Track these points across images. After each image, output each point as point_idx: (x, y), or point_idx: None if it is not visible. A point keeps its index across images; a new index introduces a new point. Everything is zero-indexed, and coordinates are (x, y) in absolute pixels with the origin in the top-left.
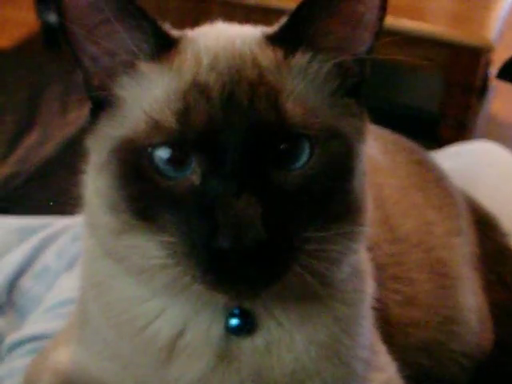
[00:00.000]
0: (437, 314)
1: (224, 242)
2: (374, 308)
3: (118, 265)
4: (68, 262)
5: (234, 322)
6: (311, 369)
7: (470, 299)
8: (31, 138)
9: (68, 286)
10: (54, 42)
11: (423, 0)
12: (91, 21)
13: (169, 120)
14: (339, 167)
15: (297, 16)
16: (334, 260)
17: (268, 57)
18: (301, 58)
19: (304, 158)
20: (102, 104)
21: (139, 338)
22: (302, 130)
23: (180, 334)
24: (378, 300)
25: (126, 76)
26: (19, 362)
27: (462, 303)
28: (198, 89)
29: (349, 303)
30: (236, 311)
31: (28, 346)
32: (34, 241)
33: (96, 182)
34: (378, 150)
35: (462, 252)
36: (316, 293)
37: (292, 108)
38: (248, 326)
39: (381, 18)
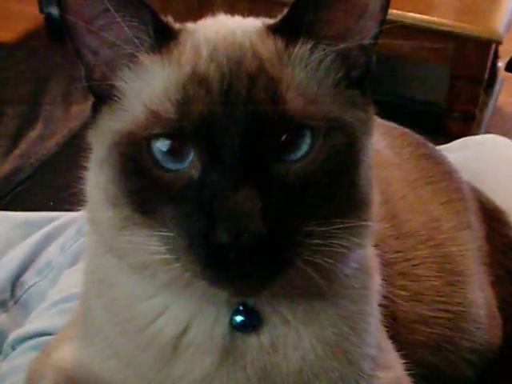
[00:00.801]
0: (445, 311)
1: (222, 236)
2: (381, 305)
3: (120, 261)
4: (72, 258)
5: (238, 318)
6: (318, 367)
7: (479, 295)
8: (34, 132)
9: (72, 281)
10: (59, 35)
11: None
12: (91, 12)
13: (168, 111)
14: (342, 159)
15: (298, 6)
16: (339, 255)
17: (268, 47)
18: (302, 49)
19: (305, 149)
20: (103, 97)
21: (142, 335)
22: (303, 120)
23: (184, 331)
24: (385, 296)
25: (126, 68)
26: (23, 358)
27: (470, 299)
28: (197, 80)
29: (355, 300)
30: (240, 308)
31: (31, 343)
32: (37, 236)
33: (97, 176)
34: (384, 144)
35: (470, 247)
36: (321, 289)
37: (292, 98)
38: (253, 323)
39: (385, 7)
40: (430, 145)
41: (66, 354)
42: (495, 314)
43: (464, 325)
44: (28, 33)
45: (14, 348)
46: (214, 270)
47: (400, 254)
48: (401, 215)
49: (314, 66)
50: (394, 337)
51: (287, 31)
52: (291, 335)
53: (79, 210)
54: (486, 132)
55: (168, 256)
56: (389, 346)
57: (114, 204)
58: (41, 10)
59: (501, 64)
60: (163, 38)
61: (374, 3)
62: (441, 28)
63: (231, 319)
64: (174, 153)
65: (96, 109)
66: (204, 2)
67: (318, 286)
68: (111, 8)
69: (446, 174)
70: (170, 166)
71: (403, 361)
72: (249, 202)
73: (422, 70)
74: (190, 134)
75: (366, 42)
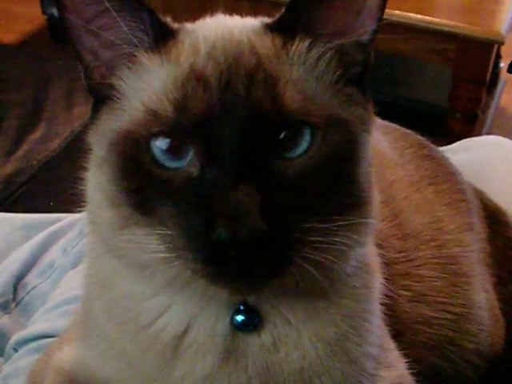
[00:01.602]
0: (448, 312)
1: (221, 233)
2: (383, 304)
3: (120, 261)
4: (74, 259)
5: (239, 317)
6: (319, 366)
7: (482, 296)
8: (36, 134)
9: (74, 283)
10: (61, 36)
11: None
12: (90, 12)
13: (166, 109)
14: (342, 156)
15: (295, 4)
16: (339, 253)
17: (266, 45)
18: (300, 46)
19: (304, 145)
20: (102, 98)
21: (143, 335)
22: (302, 117)
23: (185, 331)
24: (387, 296)
25: (125, 68)
26: (25, 360)
27: (473, 300)
28: (195, 78)
29: (357, 299)
30: (241, 307)
31: (33, 344)
32: (39, 238)
33: (97, 176)
34: (387, 145)
35: (473, 248)
36: (322, 288)
37: (291, 95)
38: (254, 322)
39: (382, 3)
40: (433, 146)
41: (68, 355)
42: (498, 316)
43: (467, 326)
44: (30, 34)
45: (16, 350)
46: (214, 267)
47: (403, 254)
48: (404, 215)
49: (312, 63)
50: (396, 337)
51: (285, 29)
52: (292, 334)
53: (81, 211)
54: (489, 133)
55: (167, 254)
56: (391, 344)
57: (114, 204)
58: (43, 12)
59: (503, 65)
60: (162, 38)
61: (371, 0)
62: (443, 29)
63: (232, 319)
64: (173, 151)
65: (96, 109)
66: (207, 3)
67: (319, 285)
68: (110, 8)
69: (448, 174)
70: (169, 164)
71: (405, 360)
72: (248, 199)
73: (424, 71)
74: (188, 132)
75: (365, 38)
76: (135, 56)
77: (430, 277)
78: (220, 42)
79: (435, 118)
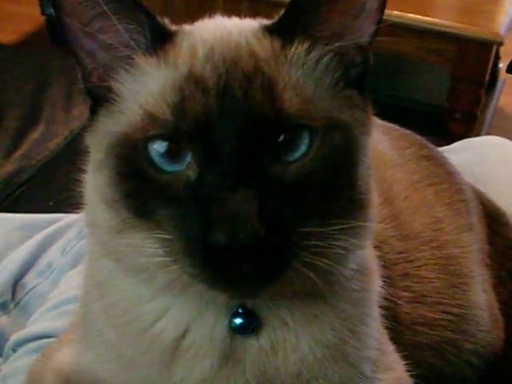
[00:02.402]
0: (447, 313)
1: (219, 237)
2: (383, 306)
3: (118, 264)
4: (73, 260)
5: (237, 320)
6: (317, 369)
7: (481, 297)
8: (35, 134)
9: (73, 283)
10: (60, 37)
11: None
12: (87, 14)
13: (164, 112)
14: (341, 159)
15: (294, 6)
16: (338, 257)
17: (265, 47)
18: (298, 48)
19: (303, 149)
20: (100, 100)
21: (142, 338)
22: (300, 120)
23: (184, 334)
24: (387, 298)
25: (123, 71)
26: (23, 360)
27: (473, 301)
28: (193, 81)
29: (355, 303)
30: (240, 310)
31: (32, 345)
32: (38, 238)
33: (95, 179)
34: (387, 145)
35: (472, 249)
36: (320, 291)
37: (289, 98)
38: (252, 326)
39: (382, 6)
40: (432, 146)
41: (66, 356)
42: (497, 316)
43: (466, 327)
44: (29, 34)
45: (14, 350)
46: (212, 272)
47: (402, 255)
48: (403, 216)
49: (311, 66)
50: (396, 338)
51: (284, 31)
52: (290, 338)
53: (80, 212)
54: (488, 133)
55: (165, 258)
56: (390, 347)
57: (112, 206)
58: (42, 12)
59: (502, 65)
60: (159, 40)
61: (371, 2)
62: (442, 29)
63: (230, 322)
64: (171, 154)
65: (93, 111)
66: (206, 4)
67: (317, 289)
68: (107, 11)
69: (447, 175)
70: (167, 167)
71: (405, 362)
72: (246, 203)
73: (423, 72)
74: (186, 136)
75: (363, 41)
76: (133, 59)
77: (429, 278)
78: (218, 45)
79: (434, 118)
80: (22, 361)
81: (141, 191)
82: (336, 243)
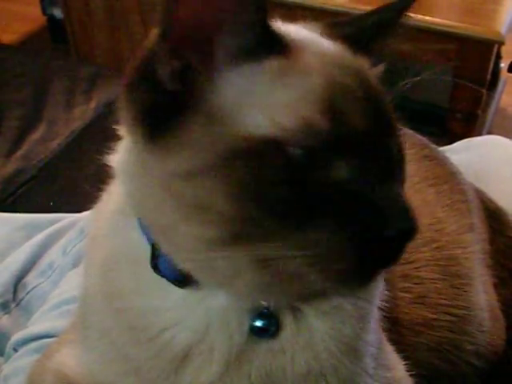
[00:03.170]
0: (448, 314)
1: (398, 226)
2: (383, 307)
3: (200, 275)
4: (74, 259)
5: (258, 323)
6: (328, 366)
7: (482, 298)
8: (36, 134)
9: (74, 283)
10: (61, 37)
11: None
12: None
13: (320, 121)
14: None
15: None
16: None
17: (362, 61)
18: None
19: None
20: (179, 109)
21: (154, 343)
22: None
23: (200, 339)
24: (387, 300)
25: (234, 74)
26: (25, 360)
27: (474, 302)
28: (341, 88)
29: (369, 300)
30: (264, 311)
31: (33, 345)
32: (39, 238)
33: (183, 190)
34: None
35: (473, 249)
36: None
37: None
38: (273, 328)
39: None
40: (433, 146)
41: (66, 357)
42: (499, 317)
43: (467, 328)
44: (30, 34)
45: (16, 350)
46: (366, 265)
47: (403, 256)
48: None
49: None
50: (396, 339)
51: (366, 50)
52: (304, 336)
53: (82, 210)
54: (489, 133)
55: (306, 267)
56: (388, 347)
57: (219, 220)
58: (43, 12)
59: (503, 65)
60: (275, 45)
61: None
62: (443, 29)
63: (250, 326)
64: (320, 162)
65: (174, 119)
66: None
67: None
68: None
69: (449, 175)
70: (315, 173)
71: (405, 362)
72: (403, 196)
73: (424, 71)
74: (342, 144)
75: None
76: (246, 62)
77: (430, 278)
78: (342, 54)
79: (435, 118)
80: (23, 360)
81: (286, 199)
82: None
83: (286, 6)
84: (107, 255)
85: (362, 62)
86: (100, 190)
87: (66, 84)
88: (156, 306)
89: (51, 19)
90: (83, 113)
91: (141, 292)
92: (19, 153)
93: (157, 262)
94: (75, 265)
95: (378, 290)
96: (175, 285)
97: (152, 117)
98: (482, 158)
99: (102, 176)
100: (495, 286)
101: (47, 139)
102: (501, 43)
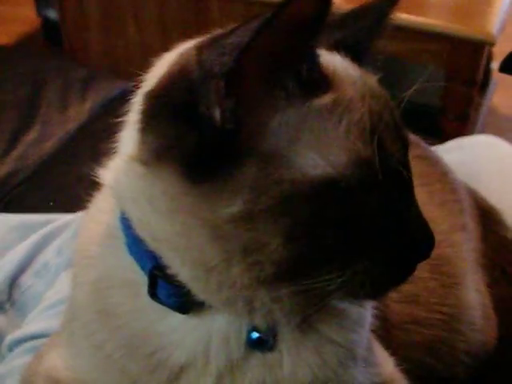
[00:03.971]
0: (439, 312)
1: (421, 253)
2: (373, 307)
3: (224, 308)
4: (68, 260)
5: (254, 335)
6: (330, 374)
7: (474, 297)
8: (31, 135)
9: (69, 283)
10: (55, 38)
11: None
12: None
13: (367, 152)
14: None
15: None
16: None
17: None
18: None
19: None
20: (231, 150)
21: (151, 359)
22: None
23: (197, 357)
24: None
25: (287, 113)
26: (19, 360)
27: (465, 301)
28: (378, 118)
29: (364, 305)
30: (264, 325)
31: (28, 345)
32: (34, 238)
33: (233, 233)
34: None
35: (465, 248)
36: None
37: None
38: (270, 341)
39: None
40: (426, 145)
41: (57, 361)
42: (490, 316)
43: (459, 326)
44: (25, 36)
45: (11, 350)
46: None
47: None
48: None
49: None
50: (387, 338)
51: None
52: (306, 345)
53: (76, 211)
54: (481, 132)
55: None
56: (376, 345)
57: (267, 260)
58: (38, 13)
59: (494, 65)
60: (324, 81)
61: None
62: (434, 30)
63: (248, 338)
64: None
65: (229, 165)
66: (200, 4)
67: None
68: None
69: (441, 174)
70: (369, 207)
71: (396, 361)
72: (424, 218)
73: (416, 72)
74: (386, 172)
75: None
76: (310, 98)
77: (422, 278)
78: (371, 82)
79: (428, 117)
80: (18, 360)
81: (344, 233)
82: None
83: None
84: (100, 276)
85: (375, 79)
86: (94, 190)
87: (61, 85)
88: (154, 329)
89: (46, 21)
90: (78, 114)
91: (137, 315)
92: (14, 154)
93: (155, 289)
94: (70, 265)
95: None
96: (176, 311)
97: (194, 155)
98: (473, 158)
99: (97, 178)
100: (488, 284)
101: (42, 140)
102: (492, 44)
